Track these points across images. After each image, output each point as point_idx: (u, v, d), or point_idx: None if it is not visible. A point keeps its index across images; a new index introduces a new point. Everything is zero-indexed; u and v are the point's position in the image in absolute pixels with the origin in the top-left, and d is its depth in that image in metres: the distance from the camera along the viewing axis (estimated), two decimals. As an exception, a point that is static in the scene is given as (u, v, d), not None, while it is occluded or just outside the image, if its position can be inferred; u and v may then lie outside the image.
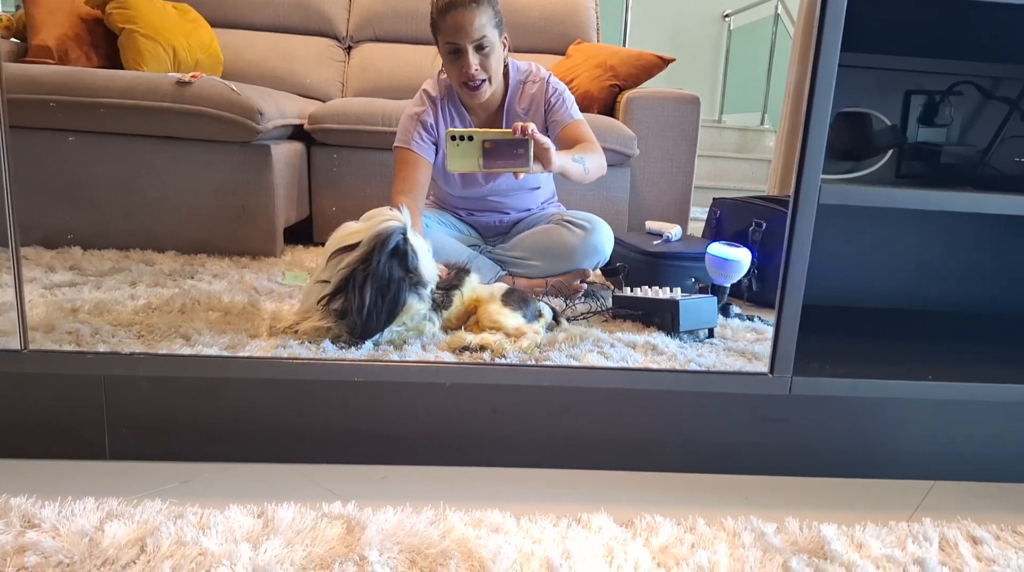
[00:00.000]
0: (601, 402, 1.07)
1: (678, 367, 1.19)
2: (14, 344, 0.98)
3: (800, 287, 0.91)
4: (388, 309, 1.21)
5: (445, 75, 1.67)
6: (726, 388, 1.02)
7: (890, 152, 1.27)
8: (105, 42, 2.32)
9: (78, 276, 1.58)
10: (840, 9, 0.84)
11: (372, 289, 1.20)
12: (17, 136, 0.97)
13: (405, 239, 1.23)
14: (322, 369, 1.02)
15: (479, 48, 1.56)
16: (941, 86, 1.24)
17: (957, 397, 1.01)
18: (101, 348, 1.09)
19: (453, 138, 1.29)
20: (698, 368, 1.19)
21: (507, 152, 1.31)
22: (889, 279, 1.42)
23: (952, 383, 0.99)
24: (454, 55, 1.57)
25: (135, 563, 0.77)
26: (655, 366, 1.19)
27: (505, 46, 1.63)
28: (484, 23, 1.54)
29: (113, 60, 2.30)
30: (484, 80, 1.59)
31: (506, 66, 1.69)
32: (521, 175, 1.37)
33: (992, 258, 1.44)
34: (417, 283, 1.24)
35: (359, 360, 1.10)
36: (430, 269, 1.26)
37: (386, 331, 1.24)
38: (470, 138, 1.29)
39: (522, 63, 1.72)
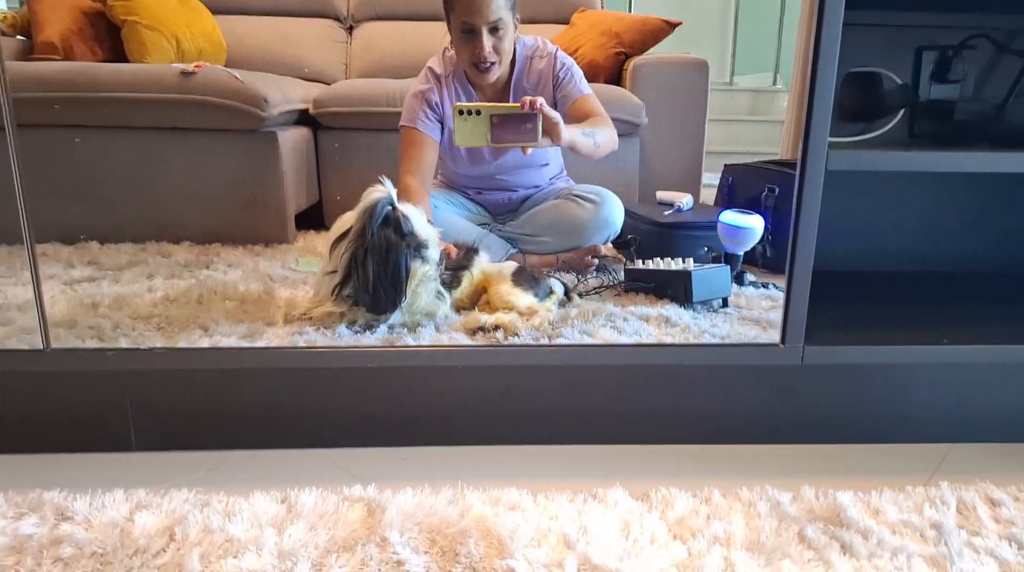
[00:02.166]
0: (613, 378, 1.07)
1: (692, 339, 1.19)
2: (37, 342, 1.00)
3: (809, 256, 0.90)
4: (393, 277, 1.21)
5: (451, 52, 1.65)
6: (737, 360, 1.02)
7: (902, 111, 1.24)
8: (108, 35, 2.33)
9: (96, 271, 1.61)
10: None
11: (373, 262, 1.20)
12: (27, 134, 0.98)
13: (393, 207, 1.23)
14: (337, 356, 1.04)
15: (493, 30, 1.54)
16: (953, 41, 1.20)
17: (973, 361, 1.00)
18: (122, 342, 1.12)
19: (461, 112, 1.28)
20: (712, 339, 1.19)
21: (515, 126, 1.30)
22: (903, 241, 1.40)
23: (967, 346, 0.98)
24: (467, 35, 1.55)
25: (165, 551, 0.79)
26: (668, 340, 1.19)
27: (516, 26, 1.60)
28: (501, 5, 1.51)
29: (117, 52, 2.30)
30: (494, 63, 1.58)
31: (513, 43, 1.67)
32: (529, 150, 1.36)
33: (1008, 216, 1.41)
34: (417, 247, 1.23)
35: (373, 346, 1.11)
36: (426, 231, 1.25)
37: (398, 313, 1.25)
38: (478, 112, 1.28)
39: (528, 38, 1.69)
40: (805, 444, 1.10)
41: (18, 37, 2.28)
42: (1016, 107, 1.24)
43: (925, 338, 1.01)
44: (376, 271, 1.20)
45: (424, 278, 1.25)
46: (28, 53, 2.20)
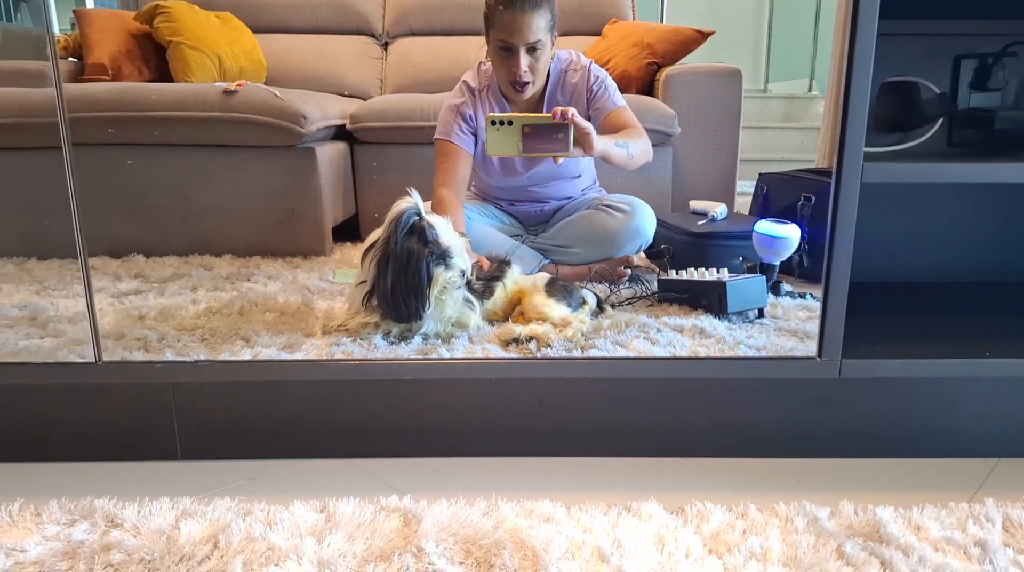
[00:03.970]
0: (647, 390, 1.07)
1: (727, 350, 1.18)
2: (88, 354, 1.04)
3: (846, 269, 0.89)
4: (413, 283, 1.22)
5: (487, 66, 1.67)
6: (773, 373, 1.01)
7: (940, 121, 1.22)
8: (155, 55, 2.42)
9: (143, 283, 1.67)
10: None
11: (393, 270, 1.22)
12: (77, 152, 1.02)
13: (420, 217, 1.25)
14: (372, 369, 1.06)
15: (531, 50, 1.55)
16: (992, 48, 1.18)
17: (1017, 374, 0.97)
18: (168, 353, 1.16)
19: (492, 122, 1.30)
20: (747, 351, 1.18)
21: (546, 136, 1.31)
22: (941, 252, 1.36)
23: (1011, 360, 0.95)
24: (505, 52, 1.56)
25: (209, 558, 0.82)
26: (703, 351, 1.18)
27: (553, 44, 1.62)
28: (541, 26, 1.53)
29: (163, 72, 2.39)
30: (529, 82, 1.59)
31: None
32: (561, 160, 1.37)
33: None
34: (441, 254, 1.24)
35: (407, 359, 1.13)
36: (451, 239, 1.26)
37: (430, 323, 1.27)
38: (509, 123, 1.30)
39: (562, 52, 1.70)
40: (843, 458, 1.08)
41: (70, 59, 2.38)
42: (1061, 114, 1.21)
43: (966, 351, 0.98)
44: (395, 279, 1.22)
45: (448, 285, 1.26)
46: (79, 74, 2.30)
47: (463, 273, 1.27)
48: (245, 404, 1.09)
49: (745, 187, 2.15)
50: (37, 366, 1.05)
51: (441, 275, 1.25)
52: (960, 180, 0.87)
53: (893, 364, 0.95)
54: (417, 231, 1.24)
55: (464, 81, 1.70)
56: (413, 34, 2.71)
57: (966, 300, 1.31)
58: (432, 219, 1.26)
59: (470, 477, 1.04)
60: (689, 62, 2.27)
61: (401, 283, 1.23)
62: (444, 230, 1.26)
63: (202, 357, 1.11)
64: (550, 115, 1.31)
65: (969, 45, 1.20)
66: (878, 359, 0.96)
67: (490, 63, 1.65)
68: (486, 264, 1.44)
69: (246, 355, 1.16)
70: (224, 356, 1.15)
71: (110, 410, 1.08)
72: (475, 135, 1.68)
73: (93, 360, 1.03)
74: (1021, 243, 1.37)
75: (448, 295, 1.27)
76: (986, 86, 1.19)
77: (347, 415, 1.09)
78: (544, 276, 1.46)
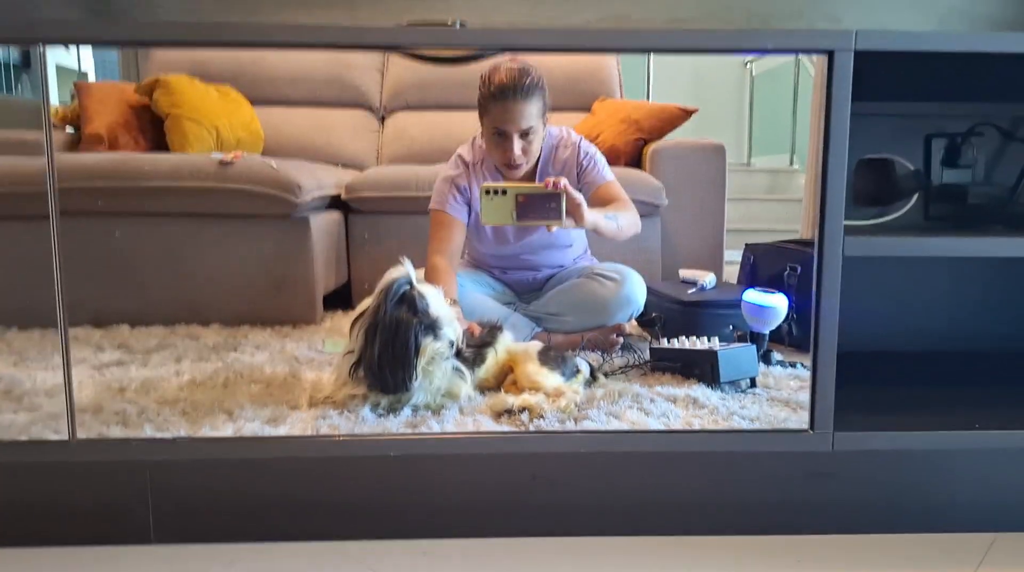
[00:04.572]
0: (641, 464, 1.05)
1: (720, 421, 1.17)
2: (62, 428, 1.01)
3: (833, 341, 0.89)
4: (400, 353, 1.20)
5: (480, 141, 1.72)
6: (766, 447, 1.00)
7: (916, 196, 1.26)
8: (152, 126, 2.46)
9: (125, 354, 1.64)
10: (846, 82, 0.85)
11: (381, 339, 1.21)
12: (70, 222, 1.02)
13: (411, 286, 1.25)
14: (357, 445, 1.03)
15: (524, 135, 1.60)
16: (961, 128, 1.23)
17: (1007, 445, 0.97)
18: (146, 428, 1.12)
19: (487, 192, 1.33)
20: (741, 421, 1.17)
21: (540, 206, 1.34)
22: (925, 320, 1.38)
23: (1000, 431, 0.95)
24: (499, 137, 1.61)
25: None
26: (696, 422, 1.17)
27: (545, 125, 1.66)
28: (533, 113, 1.58)
29: (159, 143, 2.43)
30: (523, 163, 1.63)
31: None
32: (554, 228, 1.40)
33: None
34: (430, 325, 1.23)
35: (394, 434, 1.10)
36: (442, 309, 1.25)
37: (419, 393, 1.25)
38: (504, 192, 1.33)
39: (553, 128, 1.75)
40: (842, 533, 1.05)
41: (67, 129, 2.42)
42: (1026, 190, 1.26)
43: (956, 423, 0.98)
44: (382, 348, 1.21)
45: (436, 356, 1.24)
46: (76, 144, 2.34)
47: (452, 343, 1.26)
48: (224, 483, 1.05)
49: (733, 256, 2.18)
50: (6, 444, 1.02)
51: (429, 345, 1.23)
52: (935, 254, 0.89)
53: (885, 436, 0.95)
54: (407, 301, 1.24)
55: (459, 154, 1.74)
56: (410, 108, 2.79)
57: (953, 369, 1.32)
58: (423, 289, 1.26)
59: (460, 559, 1.00)
60: (675, 137, 2.34)
61: (388, 353, 1.21)
62: (435, 300, 1.26)
63: (182, 432, 1.08)
64: (543, 185, 1.34)
65: (939, 125, 1.25)
66: (870, 431, 0.95)
67: (485, 146, 1.69)
68: (477, 330, 1.43)
69: (228, 430, 1.12)
70: (205, 430, 1.12)
71: (82, 489, 1.04)
72: (469, 205, 1.71)
73: (67, 438, 0.99)
74: (998, 312, 1.39)
75: (436, 366, 1.26)
76: (957, 163, 1.24)
77: (331, 494, 1.05)
78: (536, 344, 1.45)
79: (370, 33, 0.86)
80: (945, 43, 0.87)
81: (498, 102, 1.57)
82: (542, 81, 1.60)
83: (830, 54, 0.87)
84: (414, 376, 1.22)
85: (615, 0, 1.34)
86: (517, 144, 1.59)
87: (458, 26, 0.88)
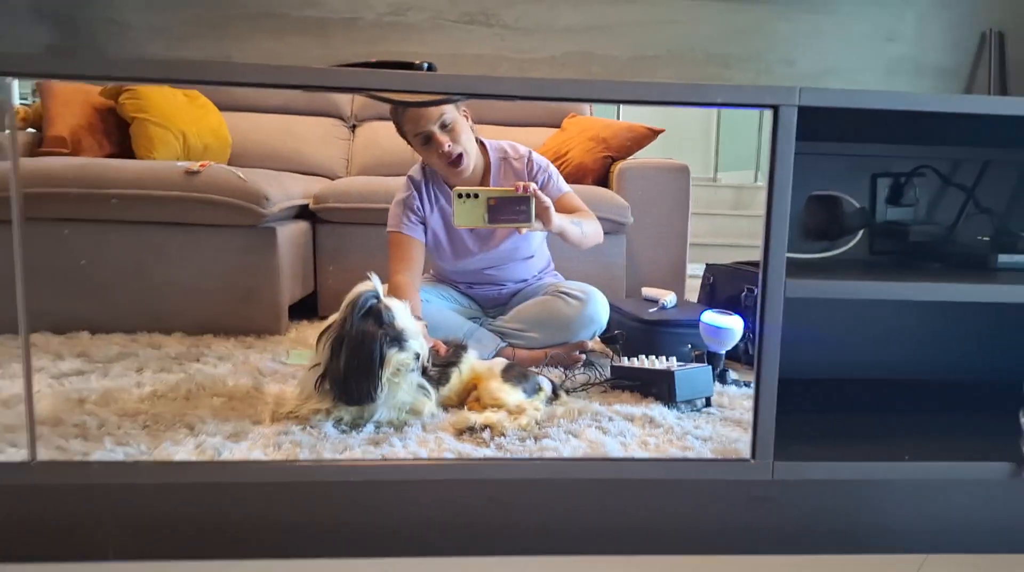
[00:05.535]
0: (592, 489, 1.08)
1: (675, 440, 1.21)
2: (19, 443, 1.00)
3: (774, 377, 0.93)
4: (365, 365, 1.22)
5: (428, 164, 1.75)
6: (710, 475, 1.04)
7: (862, 231, 1.32)
8: (117, 130, 2.43)
9: (86, 363, 1.61)
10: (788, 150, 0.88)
11: (347, 352, 1.22)
12: (30, 227, 1.01)
13: (378, 299, 1.26)
14: (319, 470, 1.04)
15: (443, 127, 1.64)
16: (904, 169, 1.30)
17: (935, 476, 1.02)
18: (106, 441, 1.12)
19: (460, 195, 1.37)
20: (694, 441, 1.21)
21: (510, 209, 1.40)
22: (869, 350, 1.44)
23: (928, 463, 1.01)
24: (424, 140, 1.65)
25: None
26: (652, 441, 1.20)
27: (467, 117, 1.71)
28: (443, 108, 1.62)
29: (124, 147, 2.39)
30: (461, 153, 1.66)
31: (482, 144, 1.76)
32: (524, 231, 1.45)
33: (964, 328, 1.47)
34: (395, 337, 1.25)
35: (356, 461, 1.10)
36: (407, 322, 1.27)
37: (383, 410, 1.26)
38: (475, 195, 1.38)
39: (494, 142, 1.79)
40: (782, 555, 1.09)
41: (29, 130, 2.38)
42: (965, 229, 1.33)
43: (889, 454, 1.03)
44: (348, 361, 1.22)
45: (402, 367, 1.25)
46: (38, 146, 2.29)
47: (417, 356, 1.27)
48: (184, 502, 1.05)
49: (696, 270, 2.24)
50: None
51: (394, 357, 1.25)
52: (871, 297, 0.94)
53: (822, 466, 1.00)
54: (374, 314, 1.25)
55: (409, 176, 1.79)
56: (381, 118, 2.80)
57: (891, 398, 1.39)
58: (390, 302, 1.28)
59: (418, 574, 1.01)
60: (642, 156, 2.39)
61: (354, 364, 1.22)
62: (401, 313, 1.28)
63: (143, 447, 1.08)
64: (513, 189, 1.39)
65: (884, 165, 1.32)
66: (807, 461, 0.99)
67: (423, 161, 1.73)
68: (443, 349, 1.45)
69: (190, 445, 1.13)
70: (166, 445, 1.12)
71: (40, 508, 1.03)
72: (424, 224, 1.75)
73: (27, 459, 0.98)
74: (937, 343, 1.46)
75: (402, 378, 1.27)
76: (900, 202, 1.31)
77: (290, 515, 1.06)
78: (501, 361, 1.48)
79: (338, 76, 0.87)
80: (882, 101, 0.92)
81: (405, 112, 1.63)
82: None
83: (775, 109, 0.91)
84: (379, 387, 1.23)
85: (580, 36, 1.38)
86: (442, 136, 1.63)
87: (425, 68, 0.90)
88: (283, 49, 1.26)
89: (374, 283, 1.28)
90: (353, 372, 1.22)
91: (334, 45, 1.35)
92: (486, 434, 1.21)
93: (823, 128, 0.94)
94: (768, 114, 0.93)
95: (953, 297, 0.95)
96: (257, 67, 0.81)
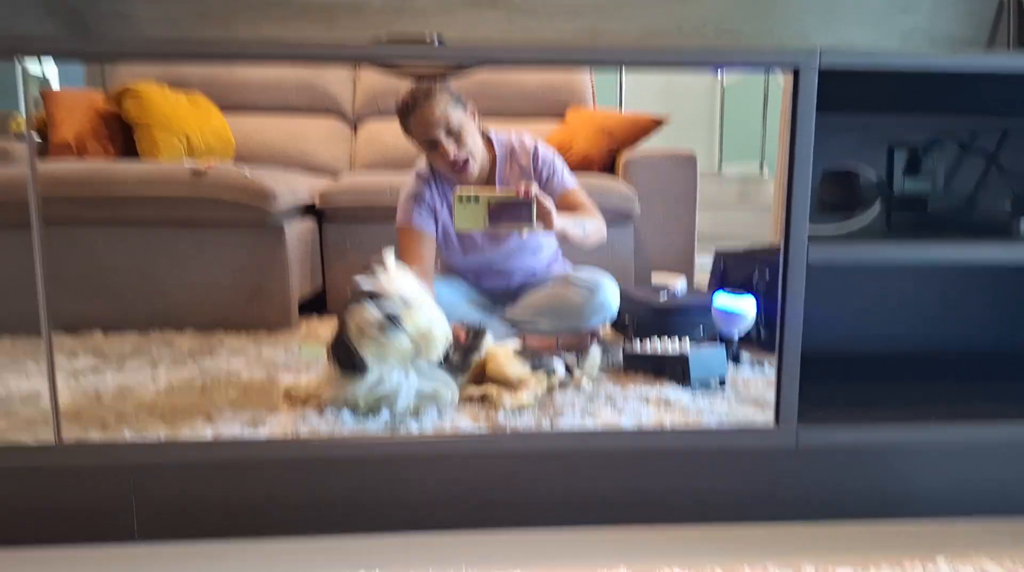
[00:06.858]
0: (614, 461, 1.08)
1: (690, 420, 1.21)
2: (42, 434, 1.01)
3: (797, 340, 0.93)
4: (341, 326, 1.23)
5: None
6: (733, 443, 1.03)
7: (879, 204, 1.31)
8: (121, 134, 2.44)
9: (100, 360, 1.62)
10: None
11: (338, 322, 1.23)
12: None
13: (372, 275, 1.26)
14: (337, 447, 1.05)
15: (450, 132, 1.63)
16: (922, 140, 1.29)
17: (961, 439, 1.02)
18: (126, 433, 1.13)
19: (460, 199, 1.37)
20: (710, 419, 1.21)
21: (511, 211, 1.39)
22: (889, 323, 1.44)
23: (954, 426, 1.00)
24: (431, 146, 1.64)
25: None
26: (668, 419, 1.20)
27: (475, 116, 1.69)
28: (445, 109, 1.61)
29: (129, 149, 2.41)
30: (467, 159, 1.66)
31: (488, 139, 1.76)
32: (526, 233, 1.44)
33: (984, 298, 1.46)
34: (356, 297, 1.24)
35: (374, 437, 1.11)
36: (408, 289, 1.26)
37: (400, 398, 1.26)
38: (476, 199, 1.37)
39: (503, 135, 1.77)
40: (805, 522, 1.10)
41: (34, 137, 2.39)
42: (984, 199, 1.32)
43: (914, 417, 1.03)
44: (335, 336, 1.23)
45: (363, 325, 1.21)
46: (42, 153, 2.31)
47: (392, 318, 1.22)
48: (207, 482, 1.06)
49: (703, 261, 2.24)
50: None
51: (355, 312, 1.21)
52: (895, 259, 0.93)
53: (847, 431, 0.99)
54: (368, 294, 1.25)
55: (417, 172, 1.78)
56: (381, 114, 2.80)
57: (913, 369, 1.37)
58: (388, 267, 1.27)
59: (440, 551, 1.02)
60: (647, 146, 2.39)
61: (338, 337, 1.24)
62: (399, 281, 1.26)
63: (162, 435, 1.09)
64: (514, 191, 1.38)
65: (901, 136, 1.31)
66: (832, 426, 0.99)
67: (430, 163, 1.73)
68: (463, 334, 1.45)
69: (208, 433, 1.13)
70: (185, 433, 1.13)
71: (66, 490, 1.04)
72: (435, 217, 1.74)
73: (52, 441, 0.99)
74: (958, 316, 1.45)
75: (383, 336, 1.22)
76: (918, 174, 1.30)
77: (310, 492, 1.06)
78: (514, 341, 1.48)
79: (348, 49, 0.88)
80: (903, 62, 0.92)
81: (411, 117, 1.62)
82: (447, 84, 1.64)
83: (796, 71, 0.91)
84: (353, 347, 1.21)
85: (590, 13, 1.38)
86: (449, 143, 1.62)
87: (436, 42, 0.90)
88: (290, 36, 1.26)
89: (388, 260, 1.28)
90: (336, 343, 1.24)
91: (341, 29, 1.35)
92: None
93: (838, 97, 0.94)
94: (775, 96, 0.93)
95: (977, 258, 0.95)
96: (269, 42, 0.82)
